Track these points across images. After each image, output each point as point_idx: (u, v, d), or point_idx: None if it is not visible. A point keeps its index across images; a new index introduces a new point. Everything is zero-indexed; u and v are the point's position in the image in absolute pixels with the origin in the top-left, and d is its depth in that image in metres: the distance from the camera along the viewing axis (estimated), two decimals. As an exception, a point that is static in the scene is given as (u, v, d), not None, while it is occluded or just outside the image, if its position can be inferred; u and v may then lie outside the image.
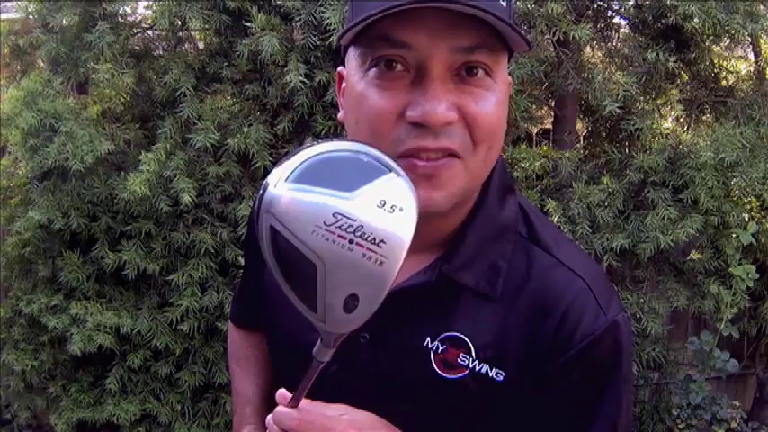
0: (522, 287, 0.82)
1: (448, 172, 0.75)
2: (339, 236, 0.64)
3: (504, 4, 0.74)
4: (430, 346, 0.82)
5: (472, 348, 0.81)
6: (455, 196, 0.77)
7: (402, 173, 0.67)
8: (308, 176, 0.65)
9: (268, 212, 0.65)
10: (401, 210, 0.66)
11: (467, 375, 0.81)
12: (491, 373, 0.81)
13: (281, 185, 0.65)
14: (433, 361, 0.82)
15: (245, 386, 1.12)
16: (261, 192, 0.66)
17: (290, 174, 0.65)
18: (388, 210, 0.65)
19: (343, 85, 0.83)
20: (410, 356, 0.83)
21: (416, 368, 0.83)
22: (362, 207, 0.64)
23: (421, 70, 0.73)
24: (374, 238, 0.65)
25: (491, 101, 0.75)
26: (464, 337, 0.82)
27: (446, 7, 0.69)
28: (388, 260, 0.66)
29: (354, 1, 0.78)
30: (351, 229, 0.64)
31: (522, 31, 0.74)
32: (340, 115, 0.85)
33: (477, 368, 0.81)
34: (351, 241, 0.64)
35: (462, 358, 0.81)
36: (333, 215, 0.63)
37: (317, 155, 0.66)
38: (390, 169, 0.67)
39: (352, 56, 0.78)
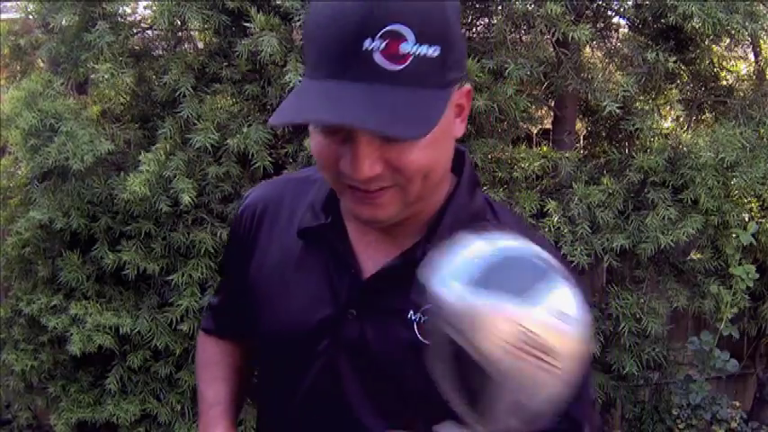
0: None
1: (383, 198, 0.84)
2: (520, 348, 0.64)
3: (436, 52, 0.77)
4: (413, 317, 0.91)
5: None
6: (399, 210, 0.86)
7: (567, 276, 0.72)
8: (486, 280, 0.65)
9: (444, 319, 0.64)
10: (573, 319, 0.67)
11: None
12: None
13: (458, 289, 0.64)
14: (416, 330, 0.91)
15: (215, 388, 1.14)
16: (426, 285, 0.65)
17: (467, 276, 0.64)
18: (562, 320, 0.66)
19: None
20: (395, 329, 0.92)
21: (402, 338, 0.92)
22: (542, 318, 0.64)
23: (350, 131, 0.80)
24: (550, 349, 0.66)
25: (417, 148, 0.80)
26: None
27: (354, 127, 0.78)
28: (560, 370, 0.67)
29: (304, 37, 0.86)
30: (531, 342, 0.64)
31: (438, 98, 0.80)
32: None
33: None
34: (530, 353, 0.65)
35: None
36: (515, 326, 0.63)
37: (493, 255, 0.65)
38: (560, 274, 0.68)
39: None
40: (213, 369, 1.16)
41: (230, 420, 1.11)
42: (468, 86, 0.88)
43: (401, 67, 0.76)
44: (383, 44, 0.75)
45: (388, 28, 0.75)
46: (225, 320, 1.18)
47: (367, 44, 0.75)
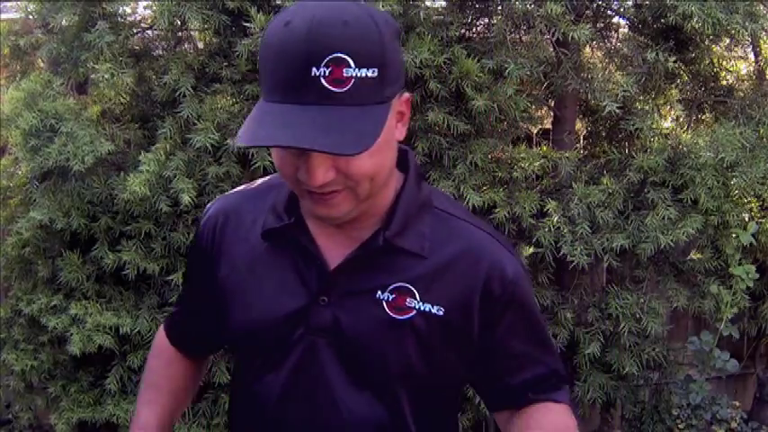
0: (446, 245, 1.05)
1: (335, 199, 0.96)
2: None
3: (374, 72, 0.89)
4: (381, 297, 1.04)
5: (416, 292, 1.04)
6: (351, 209, 0.98)
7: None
8: None
9: None
10: None
11: (414, 315, 1.04)
12: (433, 310, 1.04)
13: None
14: (386, 308, 1.03)
15: (148, 411, 1.29)
16: None
17: None
18: None
19: None
20: (367, 308, 1.04)
21: (373, 316, 1.03)
22: None
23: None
24: None
25: (363, 156, 0.91)
26: (408, 285, 1.04)
27: (303, 148, 0.88)
28: None
29: (259, 65, 0.95)
30: None
31: (377, 113, 0.92)
32: None
33: (422, 307, 1.04)
34: None
35: (409, 302, 1.04)
36: None
37: None
38: None
39: None
40: (152, 392, 1.29)
41: None
42: (407, 94, 1.00)
43: (345, 89, 0.87)
44: (328, 71, 0.86)
45: (331, 56, 0.86)
46: (177, 331, 1.28)
47: (314, 71, 0.86)
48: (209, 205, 1.20)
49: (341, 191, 0.95)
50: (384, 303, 1.04)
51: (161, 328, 1.32)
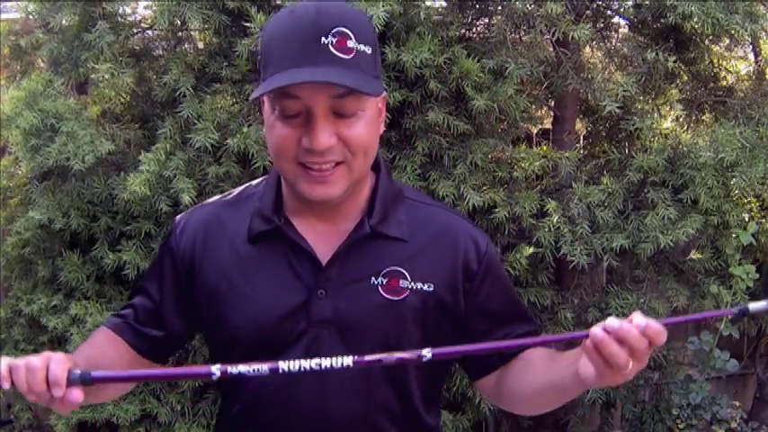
0: (423, 229, 1.17)
1: (335, 175, 1.06)
2: None
3: (369, 50, 1.04)
4: (375, 282, 1.13)
5: (406, 274, 1.14)
6: (346, 188, 1.08)
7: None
8: None
9: None
10: None
11: (408, 294, 1.14)
12: (424, 287, 1.14)
13: None
14: (382, 292, 1.13)
15: (87, 347, 1.19)
16: None
17: None
18: None
19: (264, 107, 1.12)
20: (364, 295, 1.12)
21: (371, 301, 1.12)
22: None
23: (309, 113, 1.03)
24: None
25: (361, 125, 1.05)
26: (398, 268, 1.14)
27: (317, 82, 0.99)
28: None
29: (264, 57, 1.06)
30: None
31: (377, 82, 1.07)
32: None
33: (414, 286, 1.14)
34: None
35: (402, 283, 1.14)
36: None
37: None
38: None
39: (266, 101, 1.09)
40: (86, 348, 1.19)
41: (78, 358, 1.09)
42: (384, 93, 1.13)
43: (350, 56, 1.01)
44: (335, 40, 1.00)
45: (337, 28, 1.00)
46: (152, 337, 1.24)
47: (323, 40, 1.00)
48: (181, 217, 1.25)
49: (339, 166, 1.05)
50: (379, 288, 1.13)
51: (107, 331, 1.24)
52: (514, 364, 1.20)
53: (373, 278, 1.13)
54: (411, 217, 1.17)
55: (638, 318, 0.94)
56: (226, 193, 1.29)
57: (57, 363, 0.95)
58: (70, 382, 0.96)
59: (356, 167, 1.07)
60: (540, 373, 1.14)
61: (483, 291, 1.19)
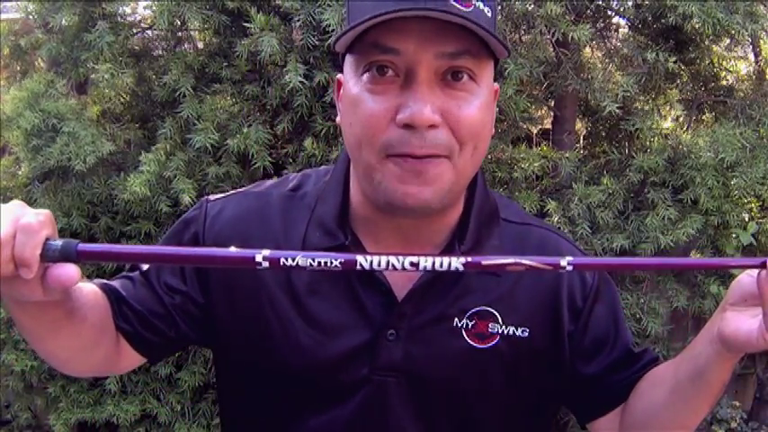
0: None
1: (435, 169, 0.80)
2: None
3: (489, 13, 0.81)
4: (460, 324, 0.91)
5: (498, 316, 0.92)
6: (443, 192, 0.82)
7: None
8: None
9: None
10: None
11: (498, 341, 0.92)
12: (518, 333, 0.92)
13: None
14: (466, 337, 0.91)
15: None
16: None
17: None
18: None
19: (341, 90, 0.88)
20: (444, 340, 0.90)
21: (452, 348, 0.90)
22: None
23: (409, 75, 0.79)
24: None
25: (474, 104, 0.81)
26: (489, 309, 0.92)
27: (430, 16, 0.75)
28: None
29: (351, 2, 0.84)
30: None
31: (503, 39, 0.83)
32: (338, 119, 0.89)
33: (506, 331, 0.92)
34: None
35: (492, 327, 0.92)
36: None
37: None
38: None
39: (348, 62, 0.84)
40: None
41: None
42: (496, 84, 0.90)
43: (470, 9, 0.78)
44: None
45: None
46: (130, 322, 0.95)
47: None
48: (214, 204, 0.97)
49: (441, 159, 0.80)
50: (463, 332, 0.91)
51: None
52: (639, 388, 0.97)
53: (457, 319, 0.91)
54: (505, 242, 0.94)
55: None
56: (274, 183, 1.00)
57: (27, 232, 0.69)
58: (47, 257, 0.68)
59: (461, 165, 0.82)
60: (670, 374, 0.92)
61: (590, 328, 0.97)
